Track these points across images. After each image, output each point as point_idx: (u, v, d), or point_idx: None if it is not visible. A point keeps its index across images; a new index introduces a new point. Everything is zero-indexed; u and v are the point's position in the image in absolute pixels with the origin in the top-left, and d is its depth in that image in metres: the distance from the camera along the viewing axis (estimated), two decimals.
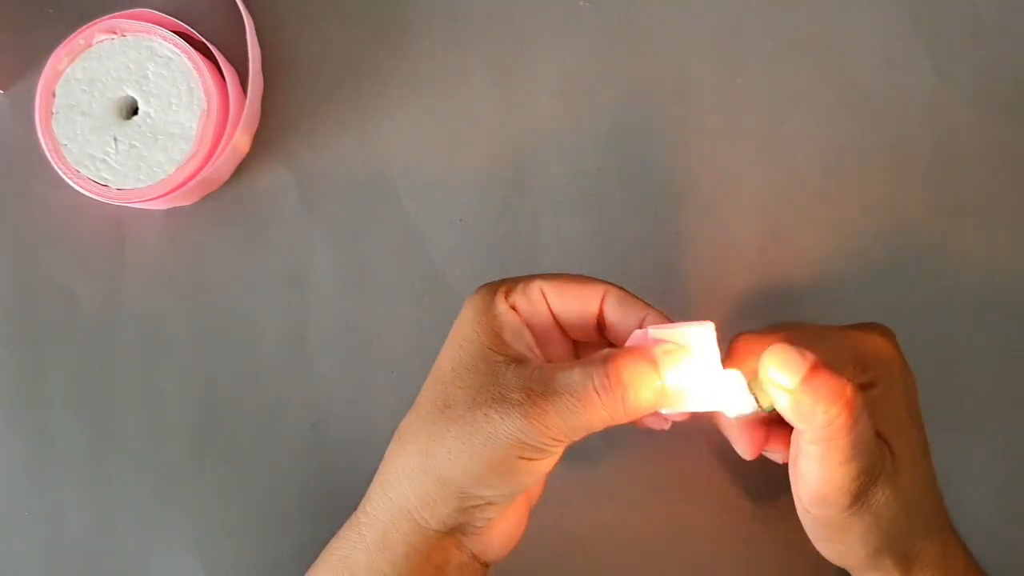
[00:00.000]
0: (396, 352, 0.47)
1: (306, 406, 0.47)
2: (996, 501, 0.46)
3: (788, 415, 0.33)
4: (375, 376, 0.47)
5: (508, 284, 0.37)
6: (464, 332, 0.36)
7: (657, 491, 0.46)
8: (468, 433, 0.34)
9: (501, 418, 0.33)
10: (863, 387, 0.35)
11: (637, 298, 0.37)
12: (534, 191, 0.48)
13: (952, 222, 0.47)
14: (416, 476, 0.35)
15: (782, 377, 0.32)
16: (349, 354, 0.47)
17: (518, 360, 0.35)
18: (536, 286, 0.36)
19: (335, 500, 0.47)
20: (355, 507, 0.46)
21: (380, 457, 0.47)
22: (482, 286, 0.37)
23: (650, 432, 0.38)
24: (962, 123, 0.47)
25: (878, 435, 0.35)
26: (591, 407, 0.33)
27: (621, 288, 0.37)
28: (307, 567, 0.47)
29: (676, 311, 0.46)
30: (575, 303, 0.36)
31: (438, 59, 0.48)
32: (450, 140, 0.48)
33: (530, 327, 0.36)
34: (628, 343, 0.36)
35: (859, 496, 0.34)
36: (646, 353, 0.34)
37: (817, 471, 0.34)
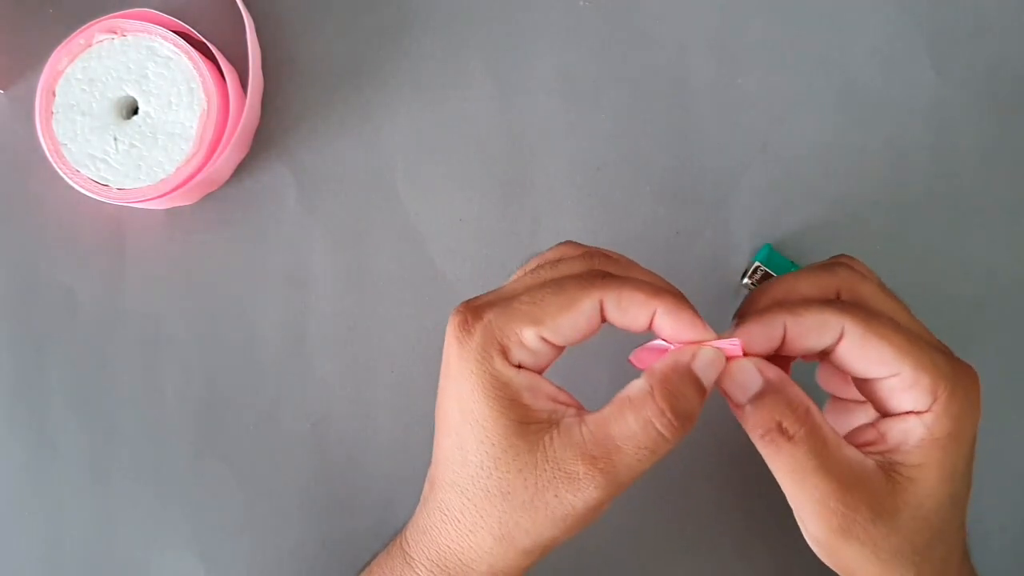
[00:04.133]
0: (396, 352, 0.47)
1: (306, 406, 0.47)
2: (996, 502, 0.46)
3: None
4: (375, 376, 0.47)
5: (499, 340, 0.33)
6: (481, 411, 0.33)
7: (656, 490, 0.46)
8: (545, 518, 0.33)
9: (574, 496, 0.32)
10: (920, 414, 0.34)
11: (634, 288, 0.33)
12: (534, 191, 0.48)
13: (952, 222, 0.47)
14: (498, 554, 0.34)
15: (738, 394, 0.34)
16: (349, 354, 0.47)
17: (552, 422, 0.33)
18: (532, 335, 0.33)
19: (335, 500, 0.47)
20: (355, 509, 0.47)
21: (380, 457, 0.47)
22: (461, 332, 0.33)
23: None
24: (962, 123, 0.47)
25: (889, 463, 0.33)
26: (660, 447, 0.32)
27: (612, 284, 0.33)
28: (307, 567, 0.47)
29: None
30: (576, 332, 0.33)
31: (438, 59, 0.48)
32: (450, 140, 0.48)
33: (540, 370, 0.34)
34: (653, 343, 0.35)
35: (837, 529, 0.33)
36: (689, 374, 0.33)
37: (784, 490, 0.34)
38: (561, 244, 0.37)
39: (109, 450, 0.47)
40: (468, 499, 0.33)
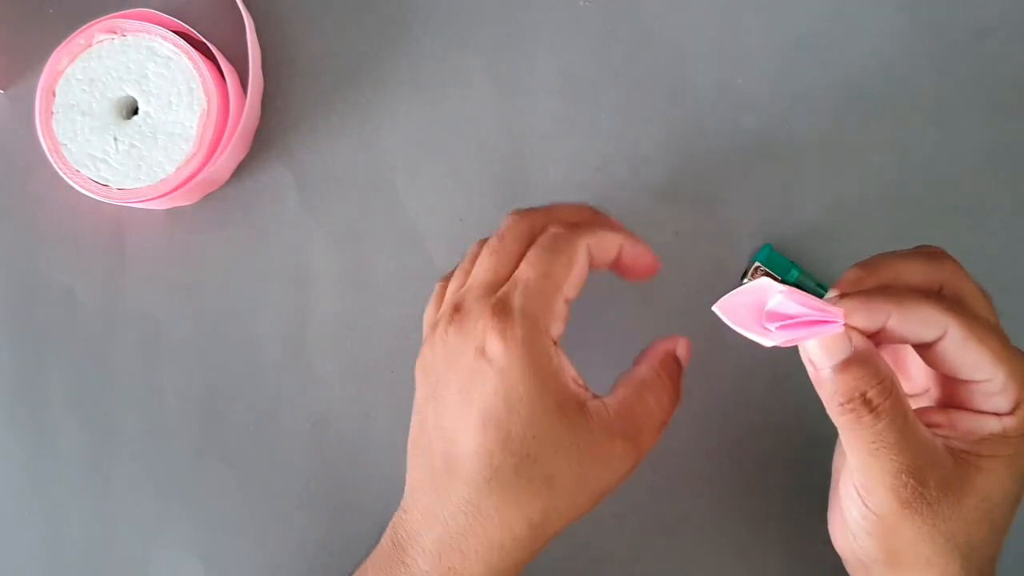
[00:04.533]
0: (396, 352, 0.47)
1: (306, 406, 0.47)
2: None
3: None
4: (375, 376, 0.47)
5: (542, 320, 0.34)
6: (531, 395, 0.33)
7: (657, 490, 0.46)
8: (583, 498, 0.34)
9: (611, 473, 0.35)
10: (1000, 415, 0.34)
11: (604, 228, 0.38)
12: (534, 191, 0.48)
13: (952, 222, 0.47)
14: (527, 543, 0.34)
15: (823, 359, 0.33)
16: (349, 354, 0.47)
17: (580, 403, 0.35)
18: (562, 303, 0.35)
19: (335, 500, 0.47)
20: (355, 509, 0.47)
21: (380, 457, 0.47)
22: (501, 322, 0.34)
23: None
24: (962, 123, 0.47)
25: (956, 450, 0.34)
26: (669, 420, 0.37)
27: (588, 229, 0.37)
28: (307, 567, 0.47)
29: (676, 311, 0.47)
30: (582, 281, 0.37)
31: (438, 59, 0.48)
32: (450, 140, 0.48)
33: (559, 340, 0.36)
34: (748, 288, 0.33)
35: (906, 502, 0.33)
36: (677, 360, 0.38)
37: (852, 460, 0.34)
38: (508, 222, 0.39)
39: (109, 450, 0.47)
40: (507, 491, 0.33)
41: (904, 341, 0.34)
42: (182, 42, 0.46)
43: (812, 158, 0.47)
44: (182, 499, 0.47)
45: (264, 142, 0.48)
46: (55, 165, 0.46)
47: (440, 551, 0.35)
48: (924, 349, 0.34)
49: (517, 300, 0.34)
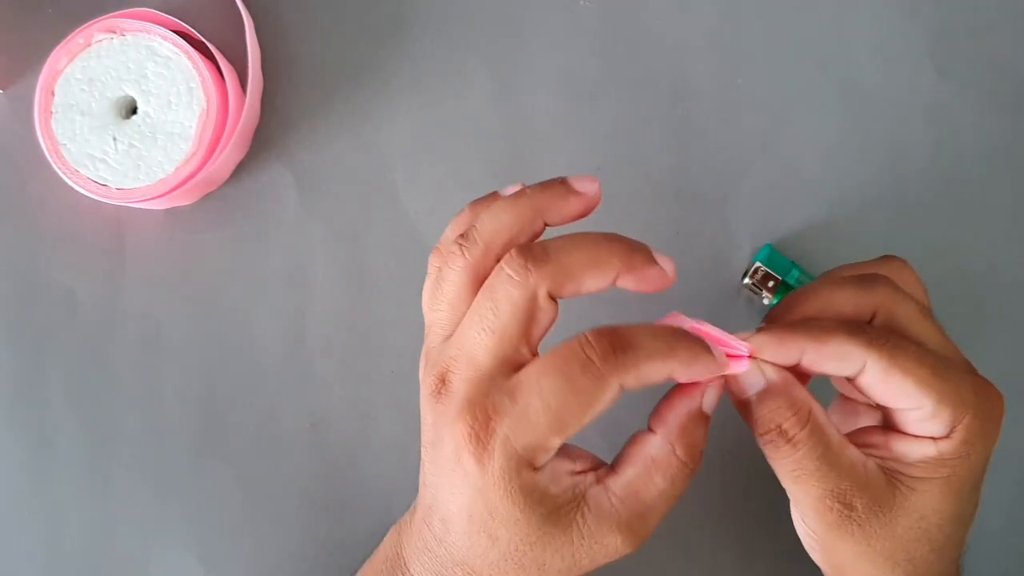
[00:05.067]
0: (396, 352, 0.47)
1: (306, 406, 0.47)
2: (996, 502, 0.46)
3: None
4: (375, 376, 0.47)
5: (522, 456, 0.31)
6: (512, 514, 0.31)
7: None
8: (582, 572, 0.33)
9: (609, 559, 0.33)
10: (935, 439, 0.34)
11: (648, 359, 0.31)
12: None
13: (952, 222, 0.47)
14: None
15: (741, 391, 0.33)
16: (349, 354, 0.47)
17: (578, 497, 0.32)
18: (557, 442, 0.31)
19: (335, 500, 0.47)
20: (355, 509, 0.47)
21: (380, 457, 0.47)
22: (477, 448, 0.31)
23: None
24: (963, 122, 0.47)
25: (890, 471, 0.34)
26: (683, 491, 0.34)
27: (627, 363, 0.31)
28: (307, 567, 0.47)
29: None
30: (598, 415, 0.32)
31: (438, 59, 0.48)
32: (450, 140, 0.48)
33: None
34: (659, 321, 0.33)
35: (834, 524, 0.33)
36: (702, 415, 0.33)
37: (786, 485, 0.34)
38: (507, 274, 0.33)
39: (109, 450, 0.47)
40: (499, 570, 0.33)
41: (824, 375, 0.34)
42: (181, 42, 0.46)
43: (812, 158, 0.47)
44: (182, 499, 0.47)
45: (263, 142, 0.48)
46: (54, 165, 0.46)
47: None
48: (851, 380, 0.34)
49: (503, 428, 0.30)
